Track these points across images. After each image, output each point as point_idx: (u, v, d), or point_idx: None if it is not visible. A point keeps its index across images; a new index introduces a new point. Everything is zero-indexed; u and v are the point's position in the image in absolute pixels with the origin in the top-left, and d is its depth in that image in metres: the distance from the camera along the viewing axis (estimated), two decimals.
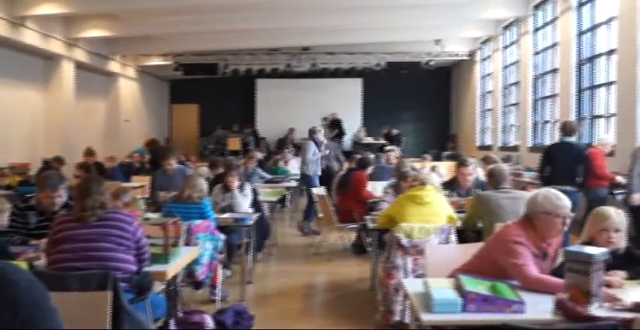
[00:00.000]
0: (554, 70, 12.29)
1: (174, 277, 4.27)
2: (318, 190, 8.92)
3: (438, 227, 5.18)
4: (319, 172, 10.43)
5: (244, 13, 13.90)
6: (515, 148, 14.45)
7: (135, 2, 12.43)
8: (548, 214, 3.44)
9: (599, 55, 10.32)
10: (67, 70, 14.38)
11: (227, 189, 6.91)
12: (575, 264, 3.00)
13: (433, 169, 7.44)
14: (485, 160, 8.04)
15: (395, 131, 19.34)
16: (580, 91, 11.05)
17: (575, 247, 3.18)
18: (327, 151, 11.20)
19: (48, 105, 14.23)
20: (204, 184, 5.98)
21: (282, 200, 10.61)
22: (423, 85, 21.03)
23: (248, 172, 9.95)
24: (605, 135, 9.15)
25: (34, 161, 12.46)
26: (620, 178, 7.57)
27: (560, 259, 3.47)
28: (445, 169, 8.45)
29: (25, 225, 4.72)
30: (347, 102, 21.36)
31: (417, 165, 9.78)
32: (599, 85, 10.39)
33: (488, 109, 17.41)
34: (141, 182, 10.20)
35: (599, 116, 10.43)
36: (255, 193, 7.50)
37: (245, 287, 6.22)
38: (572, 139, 7.68)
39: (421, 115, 21.70)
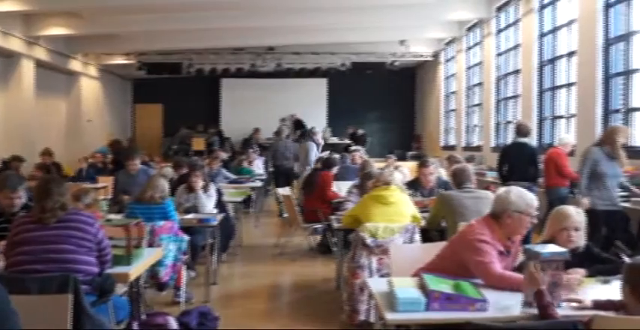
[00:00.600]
0: (516, 71, 12.45)
1: (137, 279, 4.23)
2: (284, 191, 8.92)
3: (403, 227, 5.21)
4: None
5: (209, 12, 13.80)
6: (478, 148, 14.61)
7: (98, 0, 12.25)
8: (521, 213, 3.51)
9: (560, 56, 10.50)
10: (27, 69, 14.09)
11: (191, 189, 6.86)
12: (530, 262, 3.07)
13: (397, 169, 7.48)
14: (449, 160, 8.14)
15: (360, 131, 19.39)
16: (541, 91, 11.23)
17: (533, 246, 3.23)
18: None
19: (7, 104, 13.91)
20: (165, 185, 5.92)
21: (246, 200, 10.56)
22: (388, 86, 21.12)
23: (212, 172, 9.88)
24: (565, 135, 9.31)
25: None
26: None
27: (520, 257, 3.53)
28: (409, 169, 8.51)
29: None
30: (312, 102, 21.35)
31: (382, 165, 9.82)
32: (560, 86, 10.56)
33: (452, 110, 17.57)
34: (103, 183, 10.07)
35: (560, 117, 10.61)
36: (219, 193, 7.46)
37: (210, 288, 6.18)
38: (526, 139, 8.16)
39: (386, 116, 21.81)
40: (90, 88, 18.35)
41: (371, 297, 4.16)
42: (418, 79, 21.90)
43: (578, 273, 3.38)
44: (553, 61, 10.80)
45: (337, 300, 5.76)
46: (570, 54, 9.98)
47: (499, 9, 13.24)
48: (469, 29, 15.48)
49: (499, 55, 13.48)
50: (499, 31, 13.44)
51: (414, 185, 6.72)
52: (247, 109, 20.98)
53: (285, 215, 8.66)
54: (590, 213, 6.03)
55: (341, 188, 8.25)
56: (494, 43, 13.57)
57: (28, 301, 3.09)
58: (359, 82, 20.26)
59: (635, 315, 2.71)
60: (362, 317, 4.97)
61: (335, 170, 8.83)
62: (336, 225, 6.06)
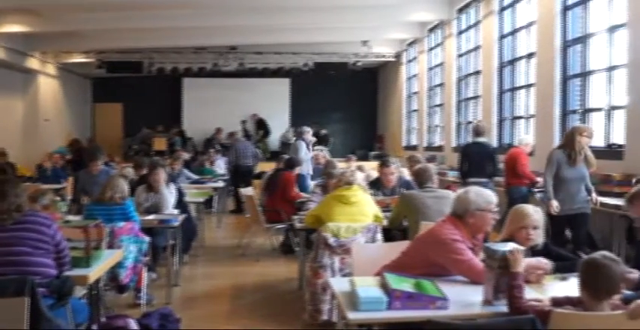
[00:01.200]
0: (476, 72, 12.61)
1: (97, 281, 4.17)
2: (246, 190, 8.89)
3: (365, 226, 5.24)
4: (311, 172, 10.34)
5: (170, 11, 13.66)
6: (439, 148, 14.76)
7: None
8: (483, 211, 3.58)
9: (520, 58, 10.66)
10: None
11: (151, 188, 6.78)
12: (489, 260, 3.13)
13: (359, 168, 7.51)
14: (410, 160, 8.22)
15: (323, 132, 19.43)
16: (501, 92, 11.40)
17: (493, 244, 3.28)
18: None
19: None
20: (125, 185, 5.84)
21: (209, 201, 10.49)
22: (351, 86, 21.18)
23: (174, 173, 9.78)
24: (525, 135, 9.46)
25: None
26: (539, 179, 7.82)
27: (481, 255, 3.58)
28: (370, 168, 8.54)
29: None
30: (275, 102, 21.32)
31: (343, 165, 9.84)
32: (520, 87, 10.73)
33: (414, 110, 17.71)
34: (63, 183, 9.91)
35: (520, 117, 10.78)
36: (181, 193, 7.40)
37: (171, 290, 6.12)
38: (483, 139, 8.60)
39: (349, 116, 21.88)
40: (48, 86, 17.99)
41: (333, 296, 4.16)
42: (381, 80, 22.02)
43: (542, 263, 3.46)
44: (512, 62, 10.97)
45: (300, 300, 5.76)
46: (529, 55, 10.15)
47: (460, 10, 13.39)
48: (431, 30, 15.61)
49: (460, 56, 13.63)
50: (460, 32, 13.59)
51: (376, 185, 6.77)
52: (209, 109, 20.82)
53: (247, 215, 8.62)
54: (552, 218, 6.12)
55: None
56: (455, 44, 13.72)
57: None
58: (322, 83, 20.28)
59: (592, 310, 2.76)
60: (324, 317, 4.99)
61: (297, 170, 8.82)
62: (298, 225, 6.07)
